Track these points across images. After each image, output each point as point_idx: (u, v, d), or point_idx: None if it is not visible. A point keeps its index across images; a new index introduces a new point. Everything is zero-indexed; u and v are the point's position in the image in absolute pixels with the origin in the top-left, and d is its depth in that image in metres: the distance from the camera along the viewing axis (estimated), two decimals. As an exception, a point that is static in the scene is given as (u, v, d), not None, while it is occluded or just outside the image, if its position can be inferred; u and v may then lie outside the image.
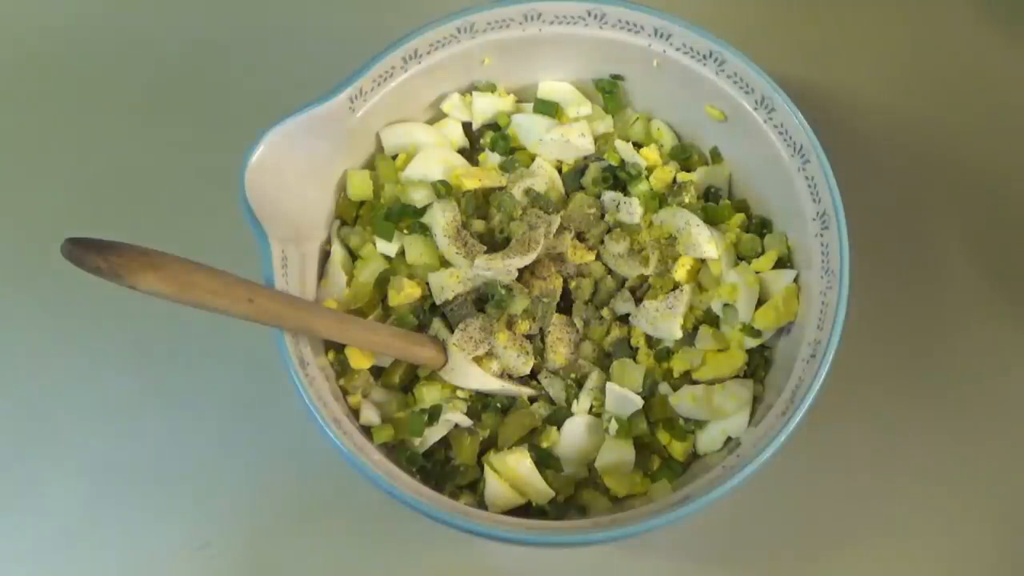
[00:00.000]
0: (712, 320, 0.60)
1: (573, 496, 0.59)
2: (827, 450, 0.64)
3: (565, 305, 0.61)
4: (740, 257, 0.62)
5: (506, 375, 0.60)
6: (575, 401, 0.59)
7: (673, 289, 0.60)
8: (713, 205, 0.63)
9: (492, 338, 0.59)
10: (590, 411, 0.59)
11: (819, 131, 0.57)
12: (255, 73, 0.76)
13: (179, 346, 0.68)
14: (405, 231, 0.62)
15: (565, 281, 0.61)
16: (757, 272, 0.60)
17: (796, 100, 0.58)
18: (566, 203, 0.63)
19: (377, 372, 0.60)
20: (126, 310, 0.65)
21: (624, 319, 0.61)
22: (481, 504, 0.58)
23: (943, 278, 0.69)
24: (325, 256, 0.62)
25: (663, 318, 0.59)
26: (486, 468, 0.58)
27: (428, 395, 0.58)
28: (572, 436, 0.59)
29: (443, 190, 0.61)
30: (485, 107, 0.65)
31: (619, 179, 0.63)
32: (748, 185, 0.64)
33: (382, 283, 0.61)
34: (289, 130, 0.57)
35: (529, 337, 0.60)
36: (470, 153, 0.66)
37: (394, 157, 0.64)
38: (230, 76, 0.76)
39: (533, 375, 0.61)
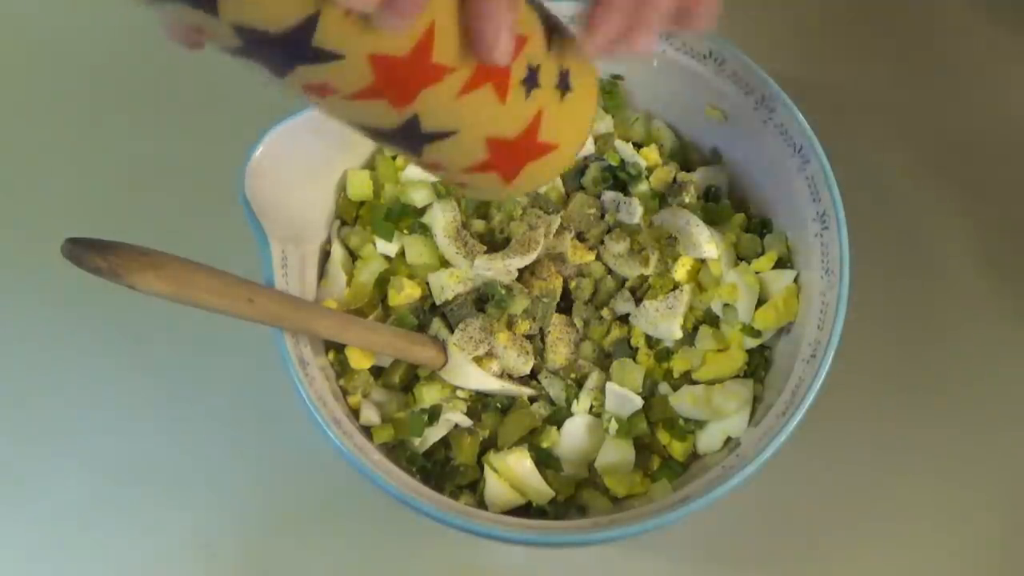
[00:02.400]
0: (712, 320, 0.60)
1: (573, 496, 0.59)
2: (827, 450, 0.64)
3: (565, 305, 0.61)
4: (740, 257, 0.62)
5: (506, 375, 0.60)
6: (575, 401, 0.59)
7: (673, 289, 0.60)
8: (713, 205, 0.63)
9: (492, 338, 0.59)
10: (590, 411, 0.59)
11: (819, 131, 0.57)
12: (256, 73, 0.76)
13: (179, 346, 0.68)
14: (405, 231, 0.62)
15: (565, 281, 0.61)
16: (757, 272, 0.60)
17: (796, 100, 0.58)
18: (566, 203, 0.63)
19: (377, 372, 0.60)
20: (126, 310, 0.64)
21: (624, 319, 0.61)
22: (481, 504, 0.58)
23: (943, 278, 0.69)
24: (325, 256, 0.62)
25: (663, 318, 0.59)
26: (486, 468, 0.58)
27: (428, 395, 0.58)
28: (572, 436, 0.59)
29: (443, 190, 0.61)
30: (485, 107, 0.65)
31: (619, 179, 0.63)
32: (748, 185, 0.64)
33: (382, 283, 0.61)
34: (289, 130, 0.57)
35: (529, 337, 0.60)
36: (470, 153, 0.66)
37: (394, 157, 0.64)
38: (231, 76, 0.76)
39: (533, 375, 0.61)
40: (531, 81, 0.40)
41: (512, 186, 0.45)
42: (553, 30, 0.42)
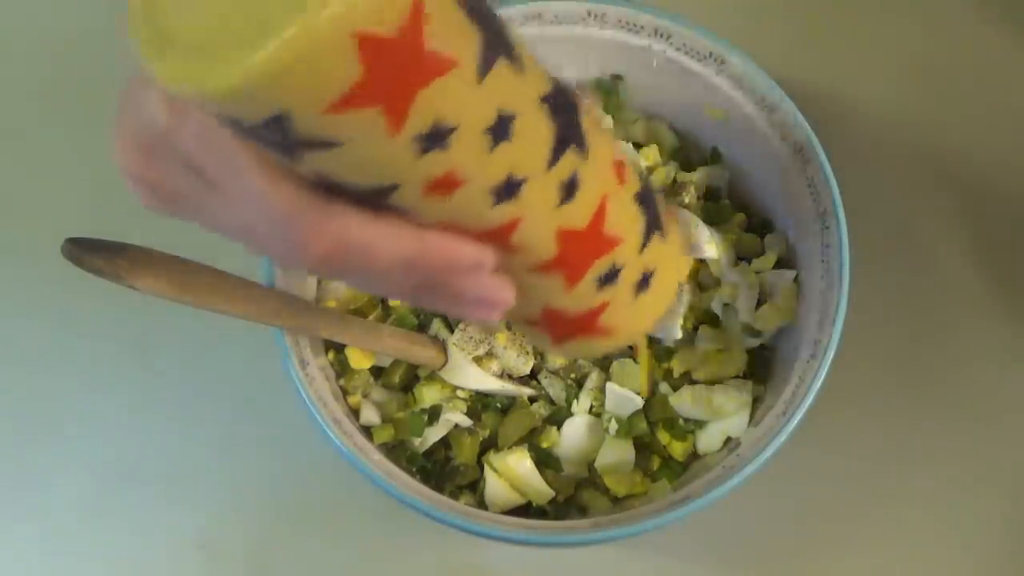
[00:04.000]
0: (712, 320, 0.60)
1: (573, 496, 0.59)
2: (827, 450, 0.64)
3: (565, 305, 0.61)
4: (740, 257, 0.62)
5: (506, 375, 0.60)
6: (575, 401, 0.59)
7: (673, 289, 0.60)
8: (713, 205, 0.63)
9: (492, 338, 0.58)
10: (590, 411, 0.59)
11: (819, 131, 0.57)
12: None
13: (179, 346, 0.68)
14: (405, 231, 0.61)
15: (565, 281, 0.61)
16: (757, 272, 0.60)
17: (796, 100, 0.58)
18: (566, 203, 0.63)
19: (377, 372, 0.60)
20: (126, 310, 0.65)
21: (624, 319, 0.61)
22: (481, 504, 0.58)
23: (943, 278, 0.69)
24: (325, 256, 0.62)
25: (663, 318, 0.59)
26: (486, 468, 0.58)
27: (428, 395, 0.58)
28: (572, 436, 0.59)
29: (443, 190, 0.61)
30: (485, 107, 0.65)
31: (619, 179, 0.63)
32: (748, 185, 0.64)
33: (382, 283, 0.61)
34: (289, 130, 0.57)
35: (529, 337, 0.60)
36: (470, 153, 0.66)
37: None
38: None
39: (533, 375, 0.61)
40: (609, 279, 0.39)
41: (560, 348, 0.44)
42: (654, 226, 0.40)
